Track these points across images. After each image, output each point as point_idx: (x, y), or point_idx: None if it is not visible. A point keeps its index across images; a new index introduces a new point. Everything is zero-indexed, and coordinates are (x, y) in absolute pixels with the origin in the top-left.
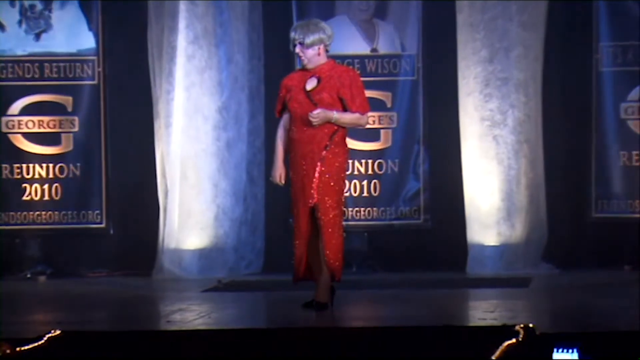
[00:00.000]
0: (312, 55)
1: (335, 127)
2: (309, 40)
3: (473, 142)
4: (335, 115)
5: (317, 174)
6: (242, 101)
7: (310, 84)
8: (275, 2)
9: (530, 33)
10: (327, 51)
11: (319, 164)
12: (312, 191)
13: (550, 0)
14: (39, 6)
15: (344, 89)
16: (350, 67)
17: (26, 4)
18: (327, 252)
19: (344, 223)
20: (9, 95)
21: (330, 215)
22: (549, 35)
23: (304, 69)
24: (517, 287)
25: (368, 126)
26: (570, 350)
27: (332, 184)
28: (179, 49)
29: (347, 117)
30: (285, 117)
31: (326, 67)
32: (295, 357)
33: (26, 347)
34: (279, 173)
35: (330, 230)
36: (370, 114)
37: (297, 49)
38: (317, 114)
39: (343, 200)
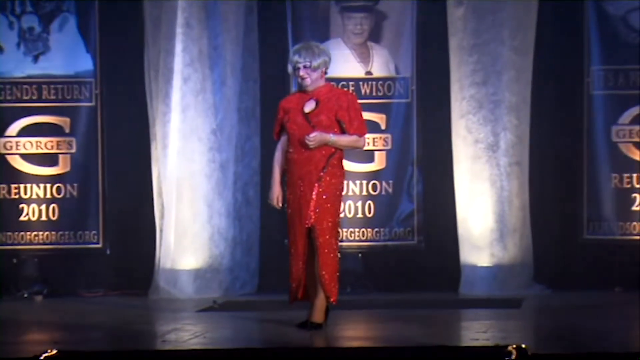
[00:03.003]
0: (316, 77)
1: (333, 150)
2: (315, 63)
3: (466, 164)
4: (333, 137)
5: (314, 196)
6: (236, 123)
7: (309, 107)
8: (271, 25)
9: (522, 57)
10: (325, 74)
11: (316, 185)
12: (309, 212)
13: (541, 7)
14: (38, 29)
15: (342, 112)
16: (348, 90)
17: (25, 26)
18: (323, 272)
19: (339, 244)
20: (7, 117)
21: (327, 237)
22: (541, 58)
23: (302, 91)
24: (510, 308)
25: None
26: None
27: (329, 205)
28: (175, 72)
29: (345, 140)
30: (283, 139)
31: (324, 90)
32: None
33: None
34: (276, 195)
35: (326, 251)
36: (366, 135)
37: (302, 72)
38: (314, 137)
39: (339, 221)
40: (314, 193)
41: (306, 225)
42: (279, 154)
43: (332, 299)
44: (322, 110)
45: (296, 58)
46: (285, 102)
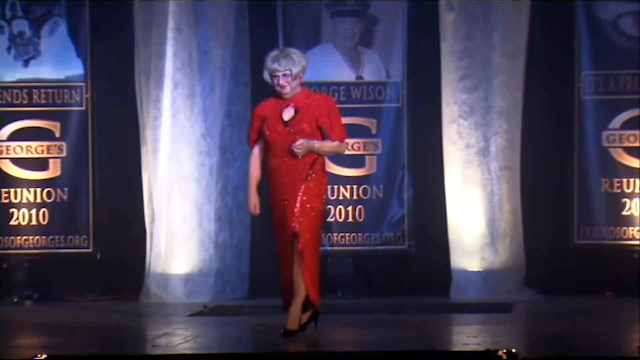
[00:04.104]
0: (296, 85)
1: (315, 156)
2: (296, 70)
3: (457, 169)
4: (317, 145)
5: (298, 204)
6: (226, 127)
7: (288, 114)
8: (263, 30)
9: (513, 62)
10: (302, 79)
11: (300, 193)
12: (293, 219)
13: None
14: (28, 33)
15: (322, 118)
16: (325, 94)
17: (15, 30)
18: (306, 278)
19: (328, 248)
20: None
21: (309, 243)
22: (532, 63)
23: (278, 97)
24: (500, 312)
25: (353, 152)
26: None
27: (313, 213)
28: (166, 76)
29: (328, 146)
30: (259, 147)
31: (302, 96)
32: None
33: None
34: (253, 202)
35: (308, 256)
36: (355, 140)
37: (282, 81)
38: (301, 145)
39: (322, 228)
40: (298, 201)
41: (291, 232)
42: (254, 162)
43: (317, 304)
44: (303, 118)
45: (275, 66)
46: (260, 109)
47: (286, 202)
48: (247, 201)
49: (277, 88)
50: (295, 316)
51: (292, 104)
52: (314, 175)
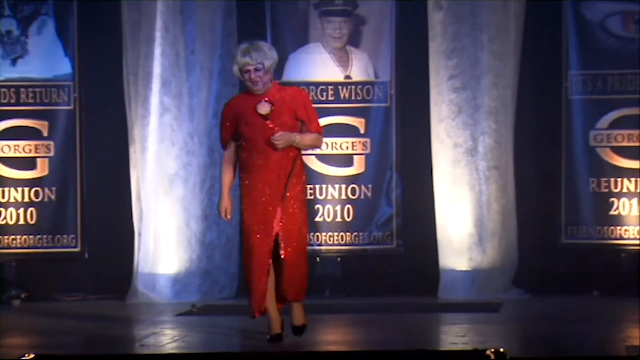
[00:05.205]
0: (268, 79)
1: (297, 152)
2: (268, 64)
3: (445, 168)
4: (297, 137)
5: (283, 202)
6: (214, 127)
7: (264, 108)
8: (251, 30)
9: (501, 62)
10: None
11: (283, 190)
12: (276, 219)
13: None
14: (16, 32)
15: (300, 110)
16: (297, 87)
17: (3, 29)
18: (296, 278)
19: (317, 248)
20: None
21: (294, 244)
22: (520, 63)
23: (246, 93)
24: (488, 312)
25: (341, 152)
26: None
27: (297, 210)
28: (154, 76)
29: (308, 138)
30: (232, 148)
31: (274, 90)
32: None
33: None
34: (224, 207)
35: (295, 257)
36: (343, 139)
37: (254, 75)
38: (280, 136)
39: (306, 225)
40: (283, 198)
41: (273, 232)
42: (227, 165)
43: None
44: (283, 112)
45: (247, 59)
46: (229, 108)
47: (268, 199)
48: (218, 205)
49: (248, 84)
50: (278, 319)
51: (266, 98)
52: (295, 171)
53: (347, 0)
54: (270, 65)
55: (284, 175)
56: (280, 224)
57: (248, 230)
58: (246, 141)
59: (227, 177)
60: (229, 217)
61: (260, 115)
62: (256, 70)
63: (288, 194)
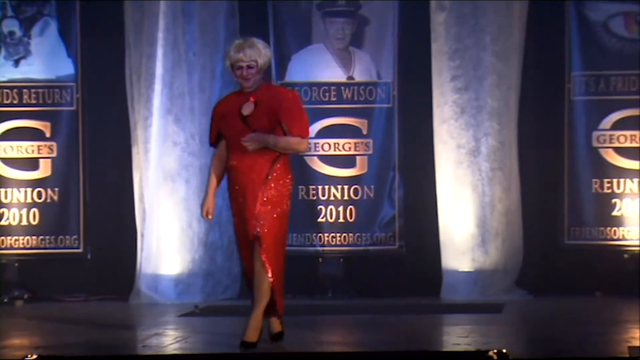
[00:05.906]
0: (259, 78)
1: (277, 154)
2: (262, 62)
3: (448, 169)
4: (272, 139)
5: (258, 205)
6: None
7: (248, 109)
8: (253, 31)
9: (504, 62)
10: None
11: (259, 194)
12: (253, 222)
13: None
14: (19, 33)
15: (283, 113)
16: (289, 88)
17: (5, 30)
18: (273, 285)
19: (319, 248)
20: None
21: (272, 250)
22: (523, 64)
23: (237, 92)
24: (491, 313)
25: (344, 153)
26: None
27: (275, 215)
28: (157, 76)
29: (285, 141)
30: (222, 147)
31: (263, 90)
32: None
33: None
34: (207, 207)
35: (273, 264)
36: (346, 140)
37: (246, 73)
38: (250, 138)
39: (286, 231)
40: (258, 202)
41: (251, 236)
42: (216, 164)
43: (280, 312)
44: (263, 113)
45: (240, 55)
46: (219, 107)
47: (245, 204)
48: (202, 205)
49: (239, 80)
50: (255, 327)
51: (253, 99)
52: (274, 174)
53: (349, 1)
54: (264, 64)
55: (259, 179)
56: (258, 229)
57: (235, 231)
58: (227, 141)
59: (214, 175)
60: (210, 217)
61: (242, 115)
62: (249, 67)
63: (265, 199)
